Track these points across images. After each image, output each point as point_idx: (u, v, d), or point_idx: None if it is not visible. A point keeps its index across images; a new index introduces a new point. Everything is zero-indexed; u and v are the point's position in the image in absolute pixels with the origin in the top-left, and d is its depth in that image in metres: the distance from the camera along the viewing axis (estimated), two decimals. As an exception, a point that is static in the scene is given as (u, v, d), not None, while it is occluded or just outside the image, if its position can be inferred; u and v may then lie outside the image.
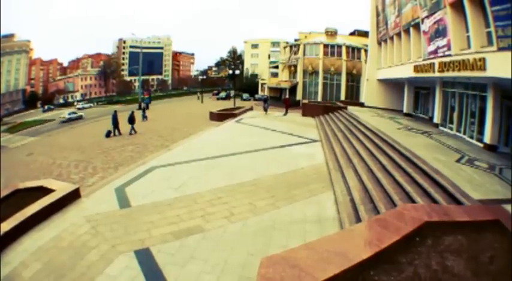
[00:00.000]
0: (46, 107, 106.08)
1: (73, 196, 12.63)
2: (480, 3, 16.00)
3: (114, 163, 20.77)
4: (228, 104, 57.12)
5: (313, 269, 5.18)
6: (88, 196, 12.69)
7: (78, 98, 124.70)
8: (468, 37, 17.73)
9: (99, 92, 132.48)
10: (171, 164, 16.44)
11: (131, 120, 33.87)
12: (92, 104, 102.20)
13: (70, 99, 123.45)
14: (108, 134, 32.80)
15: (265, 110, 40.82)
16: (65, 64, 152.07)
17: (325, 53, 67.12)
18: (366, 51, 55.21)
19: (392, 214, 7.44)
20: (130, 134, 32.76)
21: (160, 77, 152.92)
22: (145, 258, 8.10)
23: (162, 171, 15.29)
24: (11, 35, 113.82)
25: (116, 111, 34.26)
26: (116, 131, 33.55)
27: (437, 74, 21.08)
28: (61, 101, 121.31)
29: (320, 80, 66.85)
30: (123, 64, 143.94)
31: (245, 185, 12.87)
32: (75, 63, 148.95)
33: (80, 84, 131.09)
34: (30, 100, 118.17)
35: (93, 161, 21.93)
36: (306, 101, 55.43)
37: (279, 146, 20.34)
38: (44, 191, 13.27)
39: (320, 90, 66.66)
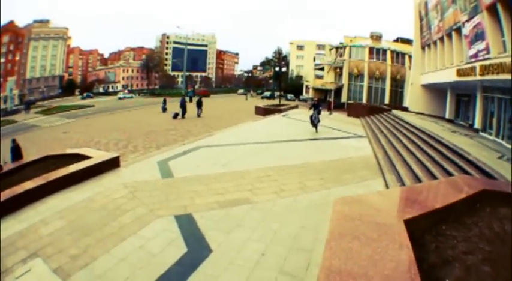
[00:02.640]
0: (85, 94, 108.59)
1: (111, 164, 12.52)
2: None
3: (156, 143, 21.13)
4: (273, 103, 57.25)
5: (390, 210, 5.32)
6: (128, 166, 12.61)
7: (119, 88, 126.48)
8: (504, 41, 18.27)
9: (141, 85, 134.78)
10: (218, 145, 16.51)
11: (199, 104, 39.09)
12: (133, 95, 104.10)
13: (110, 90, 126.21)
14: (175, 116, 36.30)
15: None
16: (106, 55, 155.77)
17: (371, 57, 66.56)
18: (410, 57, 54.48)
19: (451, 181, 7.83)
20: (199, 116, 37.89)
21: (204, 74, 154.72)
22: (186, 222, 7.74)
23: (208, 150, 15.33)
24: (46, 21, 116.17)
25: (184, 96, 40.56)
26: (182, 113, 36.99)
27: (478, 78, 21.18)
28: (101, 90, 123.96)
29: (365, 83, 66.33)
30: (166, 59, 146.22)
31: (294, 167, 12.53)
32: (117, 55, 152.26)
33: (121, 75, 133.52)
34: (68, 87, 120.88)
35: (133, 141, 22.15)
36: (351, 102, 55.75)
37: (325, 138, 20.42)
38: (80, 158, 12.96)
39: (365, 94, 66.08)
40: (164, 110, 44.91)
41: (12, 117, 67.04)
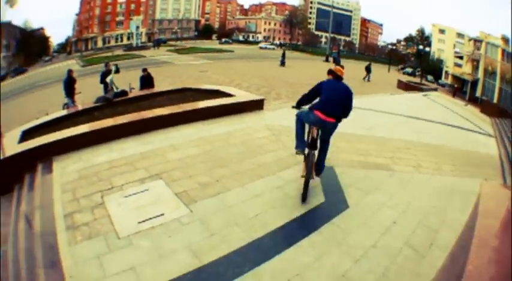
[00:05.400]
0: (223, 40, 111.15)
1: (255, 106, 12.75)
2: None
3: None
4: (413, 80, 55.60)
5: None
6: (271, 111, 12.84)
7: (260, 39, 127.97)
8: None
9: (283, 38, 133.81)
10: (362, 108, 16.10)
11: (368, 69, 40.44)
12: (275, 47, 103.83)
13: (251, 39, 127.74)
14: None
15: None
16: (246, 6, 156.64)
17: (502, 58, 61.25)
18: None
19: None
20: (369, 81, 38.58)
21: (348, 38, 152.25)
22: (327, 174, 7.82)
23: (353, 110, 14.82)
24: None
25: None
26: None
27: None
28: (240, 38, 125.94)
29: (497, 83, 60.91)
30: (310, 18, 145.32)
31: (430, 147, 12.09)
32: (257, 8, 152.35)
33: (263, 27, 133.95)
34: (205, 31, 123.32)
35: (276, 89, 22.25)
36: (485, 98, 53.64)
37: (458, 127, 19.13)
38: (220, 95, 13.34)
39: (496, 93, 60.70)
40: (282, 63, 45.02)
41: (139, 52, 70.96)
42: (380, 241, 5.56)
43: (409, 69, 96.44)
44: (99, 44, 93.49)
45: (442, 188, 8.29)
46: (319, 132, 7.23)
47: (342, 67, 7.55)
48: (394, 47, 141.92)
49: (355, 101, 13.38)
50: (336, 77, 7.47)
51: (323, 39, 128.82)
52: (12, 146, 10.67)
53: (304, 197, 6.48)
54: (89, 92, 19.01)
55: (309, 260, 5.08)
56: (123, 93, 15.50)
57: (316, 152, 7.16)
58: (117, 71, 16.05)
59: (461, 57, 79.03)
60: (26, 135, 11.66)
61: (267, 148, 8.84)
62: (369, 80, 38.49)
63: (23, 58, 75.99)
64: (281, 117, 11.85)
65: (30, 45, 77.20)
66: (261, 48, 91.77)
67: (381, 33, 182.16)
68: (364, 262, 5.10)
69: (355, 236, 5.68)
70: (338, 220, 6.07)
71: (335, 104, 7.13)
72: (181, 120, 11.27)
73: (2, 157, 10.30)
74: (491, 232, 3.65)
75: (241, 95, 13.17)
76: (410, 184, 8.13)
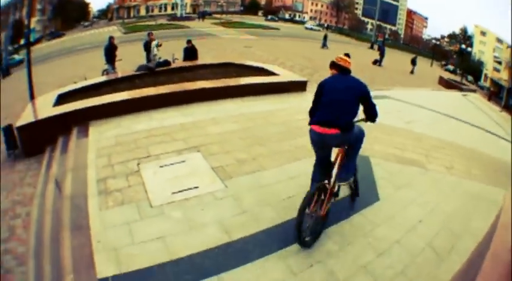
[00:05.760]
0: (269, 17, 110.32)
1: (298, 87, 12.76)
2: None
3: None
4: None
5: None
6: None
7: (306, 19, 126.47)
8: None
9: (329, 21, 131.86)
10: (402, 101, 16.21)
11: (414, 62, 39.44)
12: (321, 29, 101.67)
13: (297, 18, 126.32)
14: (374, 62, 37.74)
15: None
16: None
17: None
18: None
19: None
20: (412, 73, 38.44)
21: (393, 27, 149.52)
22: (362, 164, 7.72)
23: (393, 103, 15.30)
24: None
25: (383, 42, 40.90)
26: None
27: None
28: (286, 16, 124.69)
29: None
30: (357, 3, 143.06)
31: (463, 149, 11.86)
32: None
33: (309, 7, 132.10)
34: (251, 7, 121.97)
35: (320, 71, 22.13)
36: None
37: (492, 133, 18.28)
38: (264, 73, 13.37)
39: None
40: (324, 46, 44.81)
41: (183, 23, 70.95)
42: (404, 237, 5.59)
43: (451, 67, 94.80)
44: (142, 12, 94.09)
45: (469, 194, 8.18)
46: (326, 152, 5.72)
47: (348, 56, 5.70)
48: (437, 43, 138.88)
49: (398, 93, 13.06)
50: (341, 70, 5.61)
51: (369, 26, 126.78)
52: (47, 109, 10.94)
53: (301, 243, 5.06)
54: (129, 59, 19.15)
55: (334, 248, 5.16)
56: (166, 63, 15.73)
57: (330, 182, 5.68)
58: (158, 45, 16.28)
59: (500, 62, 78.47)
60: (62, 98, 11.94)
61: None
62: (412, 73, 38.20)
63: (60, 22, 76.75)
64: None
65: (67, 11, 77.62)
66: (306, 28, 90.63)
67: (426, 27, 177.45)
68: (386, 256, 5.15)
69: (382, 229, 5.73)
70: (367, 211, 6.13)
71: (336, 107, 5.34)
72: (223, 95, 11.40)
73: (34, 119, 10.60)
74: (507, 246, 3.69)
75: (285, 75, 13.19)
76: (441, 185, 8.04)
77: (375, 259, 5.08)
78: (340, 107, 5.29)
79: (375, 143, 9.26)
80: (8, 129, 11.19)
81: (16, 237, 7.47)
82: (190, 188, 6.07)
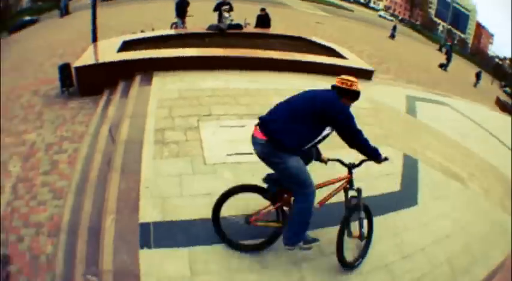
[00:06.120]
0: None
1: (364, 75, 12.63)
2: None
3: (410, 77, 20.84)
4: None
5: None
6: (377, 84, 12.76)
7: (380, 7, 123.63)
8: None
9: (402, 13, 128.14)
10: (462, 113, 15.33)
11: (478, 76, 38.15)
12: (394, 19, 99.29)
13: (372, 4, 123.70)
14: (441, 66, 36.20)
15: None
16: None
17: None
18: None
19: None
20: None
21: (462, 35, 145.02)
22: (410, 166, 7.85)
23: (453, 112, 14.59)
24: None
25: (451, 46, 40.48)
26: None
27: None
28: (361, 0, 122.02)
29: None
30: (431, 3, 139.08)
31: (505, 177, 10.94)
32: None
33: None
34: None
35: (387, 62, 21.90)
36: None
37: None
38: (332, 53, 13.35)
39: None
40: (392, 36, 43.73)
41: None
42: (429, 247, 5.64)
43: (509, 90, 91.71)
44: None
45: (498, 222, 8.05)
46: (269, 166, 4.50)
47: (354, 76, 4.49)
48: (500, 62, 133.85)
49: (458, 104, 12.67)
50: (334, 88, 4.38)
51: (440, 28, 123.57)
52: (111, 53, 11.28)
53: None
54: (201, 17, 19.12)
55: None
56: (238, 26, 15.76)
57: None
58: (230, 9, 16.12)
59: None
60: (127, 45, 12.19)
61: (364, 120, 8.52)
62: (475, 86, 37.16)
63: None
64: (385, 93, 11.76)
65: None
66: (379, 16, 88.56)
67: (491, 43, 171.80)
68: (408, 260, 5.24)
69: (412, 234, 5.78)
70: (403, 213, 6.18)
71: (282, 111, 4.34)
72: (289, 68, 11.45)
73: (96, 61, 11.05)
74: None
75: (353, 60, 13.04)
76: (476, 206, 8.00)
77: (397, 261, 5.19)
78: (287, 113, 4.27)
79: (428, 149, 9.12)
80: (65, 68, 11.61)
81: (58, 171, 7.87)
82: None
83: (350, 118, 4.16)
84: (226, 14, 15.48)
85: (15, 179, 8.09)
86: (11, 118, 11.32)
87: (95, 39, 13.57)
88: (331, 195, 4.73)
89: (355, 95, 4.32)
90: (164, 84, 9.56)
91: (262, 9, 18.43)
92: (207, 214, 4.72)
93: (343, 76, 4.34)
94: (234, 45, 12.62)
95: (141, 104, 8.60)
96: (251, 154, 4.33)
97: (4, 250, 6.39)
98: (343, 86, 4.25)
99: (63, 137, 9.28)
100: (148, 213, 5.08)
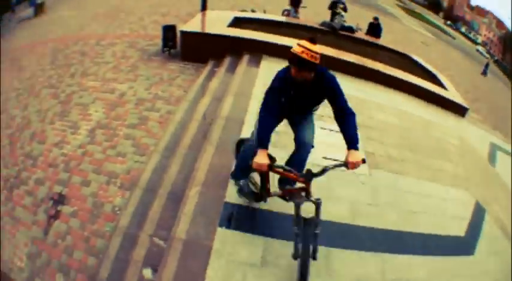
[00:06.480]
0: (448, 22, 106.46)
1: (458, 110, 12.36)
2: None
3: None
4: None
5: None
6: (473, 124, 12.61)
7: (478, 41, 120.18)
8: None
9: (497, 54, 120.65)
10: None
11: None
12: (489, 58, 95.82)
13: (471, 36, 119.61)
14: None
15: None
16: (471, 3, 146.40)
17: None
18: None
19: None
20: None
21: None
22: (478, 216, 7.34)
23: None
24: None
25: None
26: None
27: None
28: (463, 29, 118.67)
29: None
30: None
31: None
32: (481, 11, 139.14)
33: (484, 32, 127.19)
34: (433, 3, 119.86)
35: (482, 102, 21.44)
36: None
37: None
38: (433, 79, 13.18)
39: None
40: (484, 73, 42.13)
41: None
42: None
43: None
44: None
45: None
46: None
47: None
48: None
49: None
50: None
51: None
52: (221, 26, 11.53)
53: None
54: (314, 10, 19.10)
55: (418, 275, 4.99)
56: (350, 29, 15.72)
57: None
58: (345, 9, 15.96)
59: None
60: (238, 22, 12.39)
61: (450, 156, 8.54)
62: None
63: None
64: (473, 135, 11.41)
65: None
66: (477, 50, 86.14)
67: None
68: None
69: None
70: (457, 259, 5.80)
71: None
72: (393, 85, 11.35)
73: (203, 30, 11.38)
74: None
75: (453, 93, 12.70)
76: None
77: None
78: None
79: (496, 202, 8.43)
80: (170, 29, 11.98)
81: (146, 128, 8.22)
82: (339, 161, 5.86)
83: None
84: (342, 12, 15.33)
85: (95, 124, 8.47)
86: (98, 62, 11.73)
87: (204, 7, 13.77)
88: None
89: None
90: (271, 69, 9.43)
91: (376, 19, 18.23)
92: (288, 210, 4.57)
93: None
94: (345, 48, 12.51)
95: (247, 84, 8.69)
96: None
97: (61, 189, 6.76)
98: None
99: (157, 96, 9.57)
100: (235, 194, 5.07)
